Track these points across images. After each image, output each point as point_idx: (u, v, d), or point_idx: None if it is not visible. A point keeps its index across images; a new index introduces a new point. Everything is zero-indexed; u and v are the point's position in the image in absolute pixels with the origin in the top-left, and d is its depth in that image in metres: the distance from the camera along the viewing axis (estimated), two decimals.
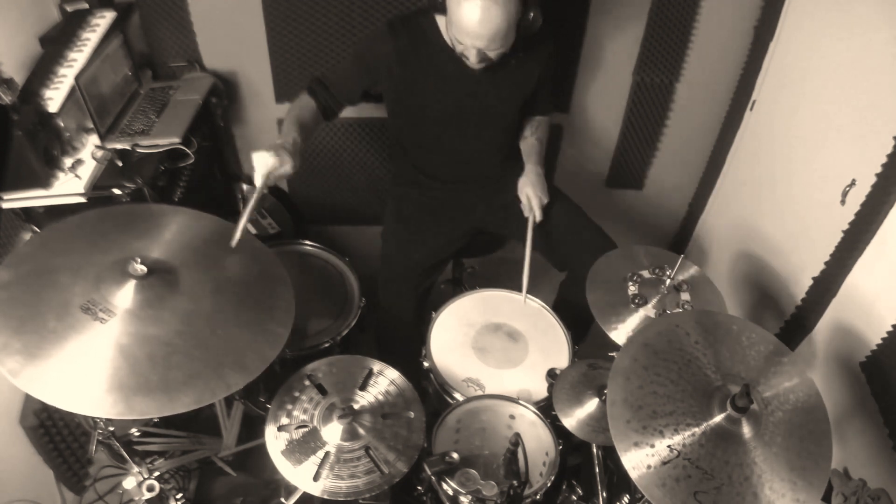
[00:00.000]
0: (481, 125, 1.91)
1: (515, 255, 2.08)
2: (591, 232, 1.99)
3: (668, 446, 1.20)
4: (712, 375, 1.30)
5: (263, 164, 1.57)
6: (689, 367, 1.31)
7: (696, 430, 1.22)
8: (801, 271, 1.96)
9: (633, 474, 1.18)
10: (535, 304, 1.94)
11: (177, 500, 1.66)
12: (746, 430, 1.22)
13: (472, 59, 1.65)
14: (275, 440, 1.47)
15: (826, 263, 1.85)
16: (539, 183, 1.92)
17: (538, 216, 1.90)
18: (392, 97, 1.91)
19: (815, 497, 1.19)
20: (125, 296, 1.32)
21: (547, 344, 1.85)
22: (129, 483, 1.57)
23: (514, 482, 1.38)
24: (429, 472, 1.43)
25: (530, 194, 1.91)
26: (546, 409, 1.62)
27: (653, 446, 1.20)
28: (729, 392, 1.24)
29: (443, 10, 1.62)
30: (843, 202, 1.77)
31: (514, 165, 2.01)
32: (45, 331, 1.25)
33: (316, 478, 1.41)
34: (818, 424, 1.27)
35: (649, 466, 1.18)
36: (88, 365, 1.23)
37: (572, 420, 1.52)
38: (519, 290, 1.93)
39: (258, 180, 1.58)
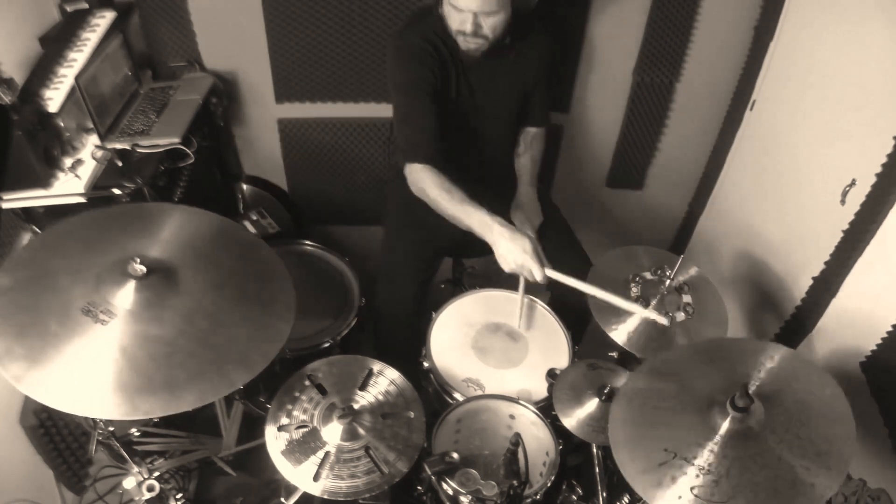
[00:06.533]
0: (484, 120, 1.91)
1: None
2: (574, 253, 1.98)
3: (665, 448, 1.20)
4: (712, 389, 1.29)
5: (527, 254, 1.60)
6: (692, 384, 1.32)
7: (695, 431, 1.22)
8: (801, 271, 1.96)
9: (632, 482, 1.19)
10: (536, 304, 1.94)
11: (177, 500, 1.66)
12: (752, 425, 1.21)
13: (468, 30, 1.64)
14: (275, 440, 1.47)
15: (826, 263, 1.85)
16: (531, 206, 1.92)
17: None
18: None
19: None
20: (125, 296, 1.32)
21: (547, 344, 1.85)
22: (129, 483, 1.57)
23: (514, 482, 1.38)
24: (429, 472, 1.43)
25: (522, 218, 1.90)
26: (546, 409, 1.62)
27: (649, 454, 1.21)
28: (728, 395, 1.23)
29: None
30: (843, 202, 1.77)
31: (514, 167, 2.01)
32: (47, 335, 1.25)
33: (316, 478, 1.41)
34: (838, 411, 1.24)
35: (645, 471, 1.19)
36: (91, 367, 1.23)
37: (572, 420, 1.52)
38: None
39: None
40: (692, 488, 1.15)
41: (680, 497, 1.15)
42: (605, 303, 1.60)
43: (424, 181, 1.73)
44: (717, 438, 1.20)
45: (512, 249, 1.59)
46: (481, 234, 1.66)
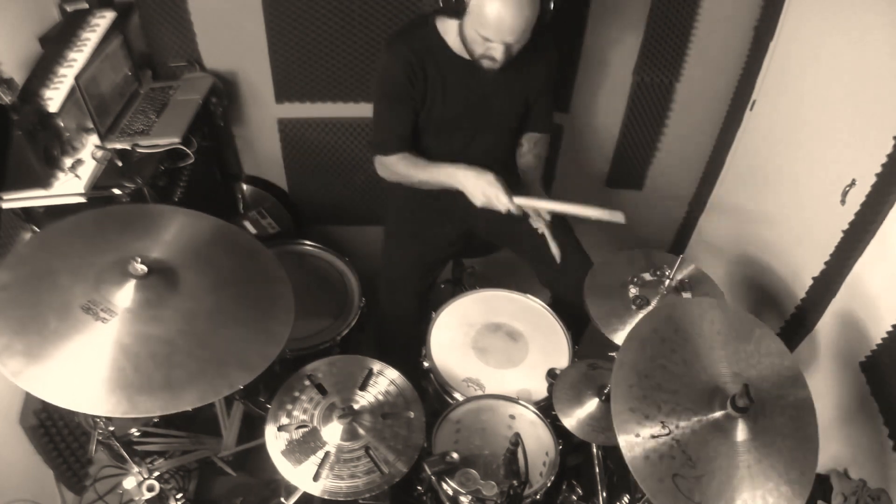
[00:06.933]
0: (487, 128, 1.91)
1: (515, 255, 2.09)
2: (575, 253, 1.98)
3: (662, 422, 1.20)
4: (724, 371, 1.30)
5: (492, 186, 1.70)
6: (708, 355, 1.31)
7: (693, 416, 1.22)
8: (801, 271, 1.96)
9: (622, 440, 1.19)
10: (536, 304, 1.94)
11: (177, 500, 1.66)
12: (741, 432, 1.22)
13: (499, 57, 1.63)
14: (275, 440, 1.48)
15: (826, 263, 1.85)
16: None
17: (546, 217, 1.82)
18: None
19: None
20: (126, 295, 1.32)
21: (547, 344, 1.85)
22: (129, 483, 1.57)
23: (514, 482, 1.38)
24: (429, 472, 1.43)
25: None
26: (546, 409, 1.62)
27: (647, 417, 1.21)
28: (733, 390, 1.23)
29: (458, 13, 1.61)
30: (843, 202, 1.77)
31: (514, 170, 2.01)
32: (47, 331, 1.25)
33: (316, 478, 1.41)
34: (807, 451, 1.26)
35: (638, 435, 1.19)
36: (90, 364, 1.24)
37: (572, 420, 1.53)
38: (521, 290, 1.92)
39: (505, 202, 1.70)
40: (674, 475, 1.16)
41: (661, 480, 1.16)
42: (572, 215, 1.77)
43: (395, 165, 1.86)
44: (710, 429, 1.21)
45: (478, 184, 1.72)
46: (450, 183, 1.78)
